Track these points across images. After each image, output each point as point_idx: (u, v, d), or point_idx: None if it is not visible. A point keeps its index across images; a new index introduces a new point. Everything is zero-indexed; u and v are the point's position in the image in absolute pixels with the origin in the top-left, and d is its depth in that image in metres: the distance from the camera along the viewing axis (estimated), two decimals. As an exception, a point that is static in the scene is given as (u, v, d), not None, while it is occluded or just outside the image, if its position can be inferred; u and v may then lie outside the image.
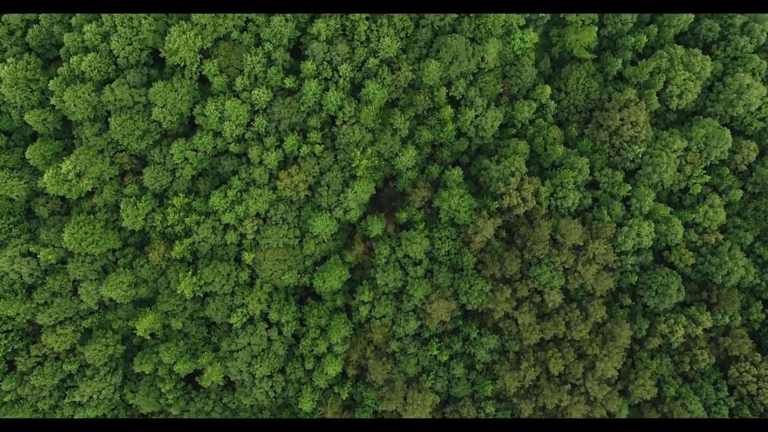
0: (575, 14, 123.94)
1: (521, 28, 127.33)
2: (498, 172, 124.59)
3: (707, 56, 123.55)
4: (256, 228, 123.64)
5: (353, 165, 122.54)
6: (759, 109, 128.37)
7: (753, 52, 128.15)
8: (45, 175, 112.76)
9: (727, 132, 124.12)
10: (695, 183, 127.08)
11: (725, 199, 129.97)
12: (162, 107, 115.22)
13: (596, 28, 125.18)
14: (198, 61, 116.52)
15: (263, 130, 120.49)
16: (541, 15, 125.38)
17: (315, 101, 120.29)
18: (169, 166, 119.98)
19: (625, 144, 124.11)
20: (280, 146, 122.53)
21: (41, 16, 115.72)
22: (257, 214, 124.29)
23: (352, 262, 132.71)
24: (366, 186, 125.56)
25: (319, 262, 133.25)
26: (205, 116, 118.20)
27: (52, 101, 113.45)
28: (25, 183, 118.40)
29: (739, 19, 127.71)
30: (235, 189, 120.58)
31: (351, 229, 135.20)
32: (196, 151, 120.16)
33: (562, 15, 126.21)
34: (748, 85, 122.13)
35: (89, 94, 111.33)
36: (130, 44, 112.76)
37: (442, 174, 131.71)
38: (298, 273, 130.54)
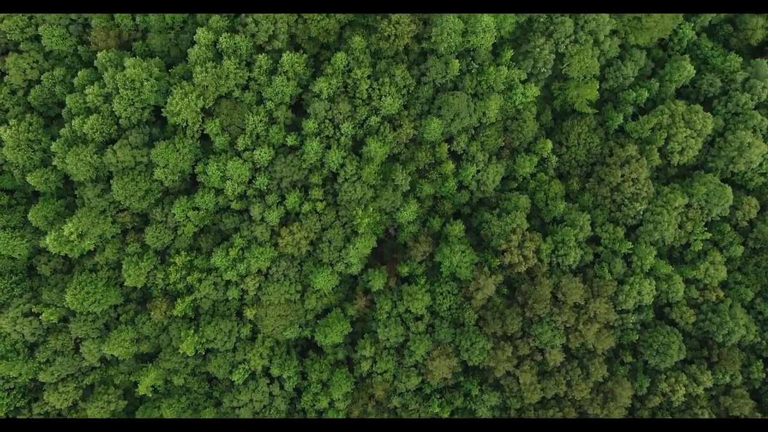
0: (576, 71, 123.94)
1: (523, 82, 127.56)
2: (499, 228, 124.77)
3: (708, 114, 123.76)
4: (257, 284, 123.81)
5: (355, 223, 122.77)
6: (760, 164, 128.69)
7: (754, 109, 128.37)
8: (47, 238, 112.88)
9: (729, 190, 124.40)
10: (696, 240, 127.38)
11: (726, 255, 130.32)
12: (164, 167, 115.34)
13: (597, 84, 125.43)
14: (200, 120, 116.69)
15: (265, 187, 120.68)
16: (542, 70, 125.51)
17: (317, 159, 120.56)
18: (170, 224, 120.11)
19: (626, 200, 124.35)
20: (281, 203, 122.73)
21: (44, 76, 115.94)
22: (259, 271, 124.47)
23: (354, 316, 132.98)
24: (367, 241, 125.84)
25: (321, 314, 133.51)
26: (207, 175, 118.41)
27: (54, 162, 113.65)
28: (27, 242, 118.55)
29: (740, 75, 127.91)
30: (237, 247, 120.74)
31: (352, 281, 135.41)
32: (197, 209, 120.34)
33: (563, 71, 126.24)
34: (749, 143, 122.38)
35: (91, 157, 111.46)
36: (132, 104, 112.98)
37: (443, 227, 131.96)
38: (299, 326, 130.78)
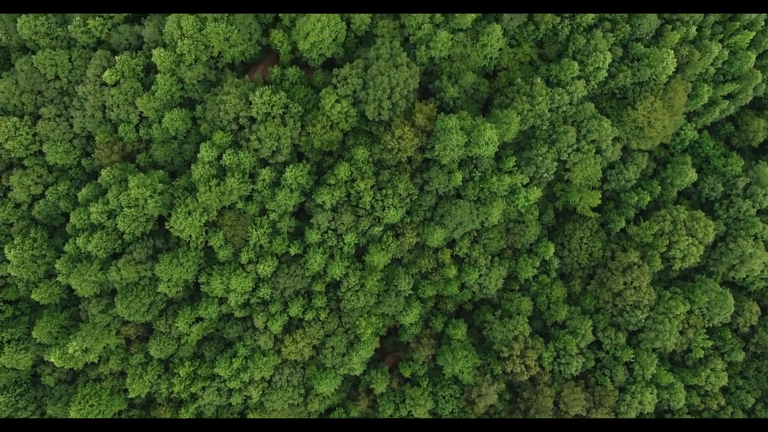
0: (579, 178, 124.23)
1: (525, 186, 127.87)
2: (502, 333, 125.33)
3: (710, 222, 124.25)
4: (261, 391, 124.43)
5: (358, 332, 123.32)
6: (762, 271, 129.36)
7: (755, 215, 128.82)
8: (52, 355, 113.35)
9: (730, 299, 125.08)
10: (697, 347, 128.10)
11: (727, 360, 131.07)
12: (167, 281, 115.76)
13: (599, 193, 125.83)
14: (203, 233, 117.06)
15: (268, 296, 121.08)
16: (544, 174, 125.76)
17: (320, 268, 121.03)
18: (174, 335, 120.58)
19: (628, 307, 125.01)
20: (284, 311, 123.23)
21: (48, 191, 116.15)
22: (262, 378, 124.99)
23: (357, 416, 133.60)
24: (370, 346, 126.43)
25: (324, 413, 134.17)
26: (210, 286, 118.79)
27: (58, 278, 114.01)
28: (31, 353, 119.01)
29: (741, 180, 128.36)
30: (240, 357, 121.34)
31: (355, 380, 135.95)
32: (201, 320, 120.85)
33: (566, 178, 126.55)
34: (750, 253, 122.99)
35: (95, 275, 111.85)
36: (136, 220, 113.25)
37: (445, 326, 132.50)
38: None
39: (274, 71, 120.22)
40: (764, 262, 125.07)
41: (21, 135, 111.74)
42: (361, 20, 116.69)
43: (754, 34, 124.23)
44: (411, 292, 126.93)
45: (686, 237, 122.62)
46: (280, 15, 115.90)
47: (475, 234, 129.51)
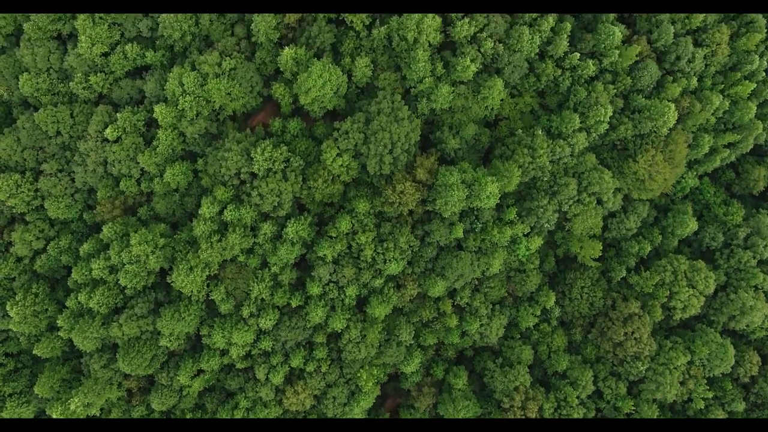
0: (579, 229, 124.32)
1: (526, 235, 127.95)
2: (503, 384, 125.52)
3: (711, 273, 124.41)
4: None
5: (359, 383, 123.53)
6: (762, 321, 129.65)
7: (756, 266, 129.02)
8: (53, 411, 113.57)
9: (731, 350, 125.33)
10: (698, 397, 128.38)
11: (727, 410, 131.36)
12: (169, 335, 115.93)
13: (600, 244, 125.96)
14: (205, 287, 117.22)
15: (269, 348, 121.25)
16: (545, 225, 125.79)
17: (321, 320, 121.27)
18: (175, 387, 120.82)
19: (628, 358, 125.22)
20: (286, 362, 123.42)
21: (50, 245, 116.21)
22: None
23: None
24: (371, 395, 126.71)
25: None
26: (212, 339, 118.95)
27: (60, 333, 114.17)
28: (33, 406, 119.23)
29: (742, 231, 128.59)
30: (242, 408, 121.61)
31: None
32: (203, 372, 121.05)
33: (567, 228, 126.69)
34: (751, 306, 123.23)
35: (97, 331, 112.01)
36: (138, 275, 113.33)
37: (446, 374, 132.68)
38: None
39: (275, 124, 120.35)
40: (765, 314, 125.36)
41: (23, 192, 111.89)
42: (363, 73, 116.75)
43: (754, 85, 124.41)
44: (412, 341, 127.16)
45: (687, 288, 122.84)
46: (281, 68, 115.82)
47: (476, 283, 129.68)
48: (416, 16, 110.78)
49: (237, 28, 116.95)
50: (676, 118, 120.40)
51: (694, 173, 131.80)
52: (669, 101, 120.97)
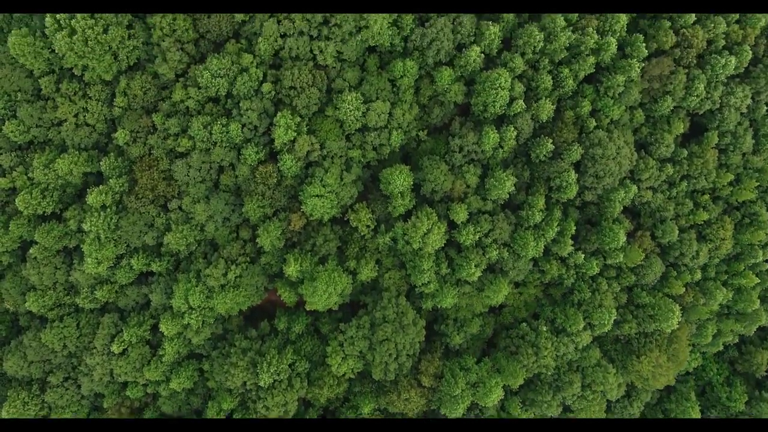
0: (583, 416, 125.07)
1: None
2: None
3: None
4: None
5: None
6: None
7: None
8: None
9: None
10: None
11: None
12: None
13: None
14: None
15: None
16: (549, 415, 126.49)
17: None
18: None
19: None
20: None
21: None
22: None
23: None
24: None
25: None
26: None
27: None
28: None
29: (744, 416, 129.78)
30: None
31: None
32: None
33: (570, 416, 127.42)
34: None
35: None
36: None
37: None
38: None
39: (281, 323, 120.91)
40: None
41: (30, 408, 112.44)
42: (368, 275, 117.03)
43: (758, 280, 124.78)
44: None
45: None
46: (286, 274, 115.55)
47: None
48: (422, 227, 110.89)
49: (242, 232, 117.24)
50: (680, 314, 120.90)
51: (697, 353, 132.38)
52: (672, 299, 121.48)
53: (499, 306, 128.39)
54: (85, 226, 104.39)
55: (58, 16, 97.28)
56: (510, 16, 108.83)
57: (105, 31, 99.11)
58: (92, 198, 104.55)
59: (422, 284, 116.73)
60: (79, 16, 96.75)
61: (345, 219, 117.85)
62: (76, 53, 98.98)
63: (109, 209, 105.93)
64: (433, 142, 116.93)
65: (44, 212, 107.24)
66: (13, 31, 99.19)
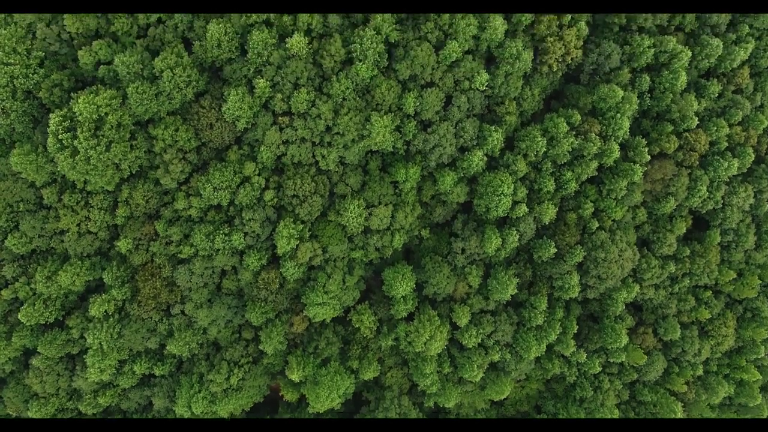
0: None
1: None
2: None
3: None
4: None
5: None
6: None
7: None
8: None
9: None
10: None
11: None
12: None
13: None
14: None
15: None
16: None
17: None
18: None
19: None
20: None
21: None
22: None
23: None
24: None
25: None
26: None
27: None
28: None
29: None
30: None
31: None
32: None
33: None
34: None
35: None
36: None
37: None
38: None
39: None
40: None
41: None
42: (370, 375, 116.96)
43: (760, 376, 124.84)
44: None
45: None
46: (289, 376, 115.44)
47: None
48: (424, 334, 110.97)
49: (245, 332, 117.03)
50: (682, 410, 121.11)
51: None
52: (674, 395, 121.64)
53: (502, 400, 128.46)
54: (89, 339, 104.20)
55: (60, 135, 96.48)
56: (512, 118, 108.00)
57: (107, 149, 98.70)
58: (95, 309, 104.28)
59: (425, 385, 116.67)
60: (81, 135, 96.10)
61: (348, 319, 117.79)
62: (78, 172, 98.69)
63: (111, 318, 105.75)
64: (436, 239, 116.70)
65: (47, 321, 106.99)
66: (15, 149, 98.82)
